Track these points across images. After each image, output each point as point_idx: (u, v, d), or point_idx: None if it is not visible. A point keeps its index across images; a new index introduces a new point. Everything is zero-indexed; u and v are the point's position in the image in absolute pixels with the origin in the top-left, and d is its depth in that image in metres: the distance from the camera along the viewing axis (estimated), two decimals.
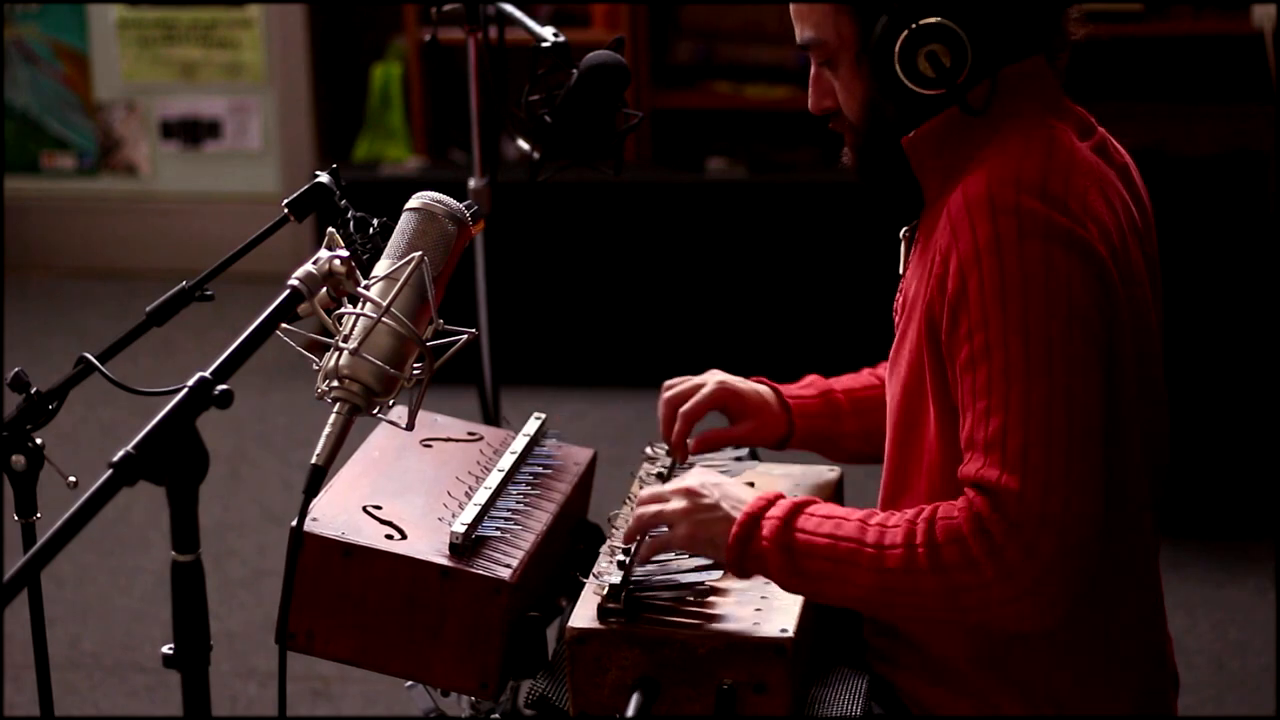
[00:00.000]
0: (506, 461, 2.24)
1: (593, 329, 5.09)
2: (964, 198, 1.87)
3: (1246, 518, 4.17)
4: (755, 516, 1.91)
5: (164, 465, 1.57)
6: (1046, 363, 1.81)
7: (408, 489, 2.16)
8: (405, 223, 1.85)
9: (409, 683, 2.22)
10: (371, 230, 1.99)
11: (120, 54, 5.96)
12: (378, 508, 2.09)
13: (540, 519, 2.16)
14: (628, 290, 5.06)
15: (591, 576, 2.03)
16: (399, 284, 1.77)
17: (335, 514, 2.06)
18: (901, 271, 2.07)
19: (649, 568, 2.02)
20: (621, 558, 2.01)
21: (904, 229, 2.08)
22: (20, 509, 1.97)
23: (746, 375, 2.34)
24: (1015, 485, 1.78)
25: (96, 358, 1.98)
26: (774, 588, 1.94)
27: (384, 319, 1.76)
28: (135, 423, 1.73)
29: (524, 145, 2.60)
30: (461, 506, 2.11)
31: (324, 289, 1.79)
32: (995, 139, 1.92)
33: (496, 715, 2.35)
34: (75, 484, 1.89)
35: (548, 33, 2.69)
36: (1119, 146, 2.04)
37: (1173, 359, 2.05)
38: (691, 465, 2.29)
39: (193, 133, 6.00)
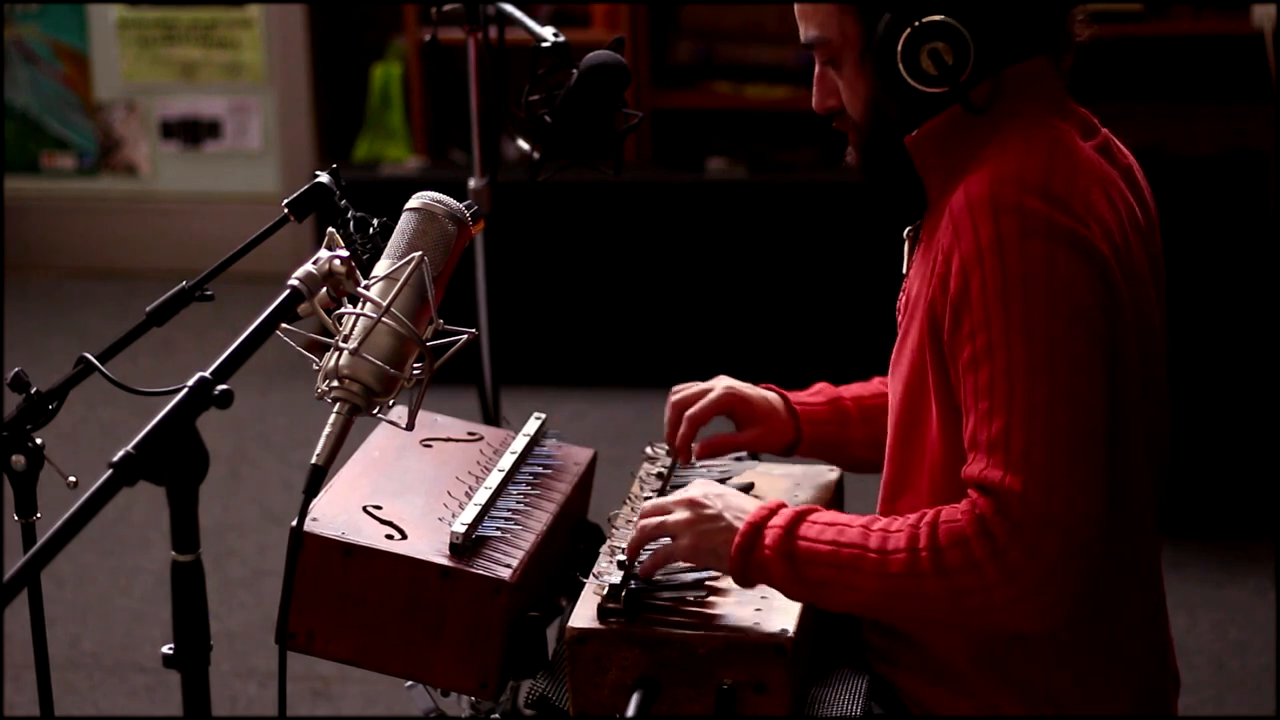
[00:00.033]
0: (506, 461, 2.24)
1: (593, 329, 5.09)
2: (966, 197, 1.87)
3: (1246, 518, 4.17)
4: (758, 526, 1.91)
5: (164, 465, 1.57)
6: (1049, 363, 1.81)
7: (408, 489, 2.16)
8: (405, 223, 1.85)
9: (409, 683, 2.22)
10: (371, 230, 1.99)
11: (120, 54, 5.96)
12: (378, 508, 2.09)
13: (540, 519, 2.16)
14: (628, 290, 5.06)
15: (591, 576, 2.03)
16: (399, 284, 1.77)
17: (335, 514, 2.06)
18: (905, 271, 2.07)
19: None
20: (621, 558, 2.01)
21: (907, 229, 2.08)
22: (20, 509, 1.97)
23: (746, 375, 2.34)
24: (1018, 486, 1.78)
25: (96, 358, 1.98)
26: None
27: (384, 319, 1.76)
28: (135, 423, 1.73)
29: (524, 145, 2.60)
30: (461, 506, 2.11)
31: (324, 289, 1.79)
32: (998, 138, 1.92)
33: (496, 715, 2.35)
34: (75, 484, 1.89)
35: (548, 33, 2.69)
36: (1122, 147, 2.04)
37: (1173, 359, 2.05)
38: (694, 466, 2.29)
39: (193, 133, 6.00)
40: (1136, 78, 4.40)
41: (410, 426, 1.87)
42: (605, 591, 1.96)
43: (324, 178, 2.05)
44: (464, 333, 1.81)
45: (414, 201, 1.86)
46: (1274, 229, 4.10)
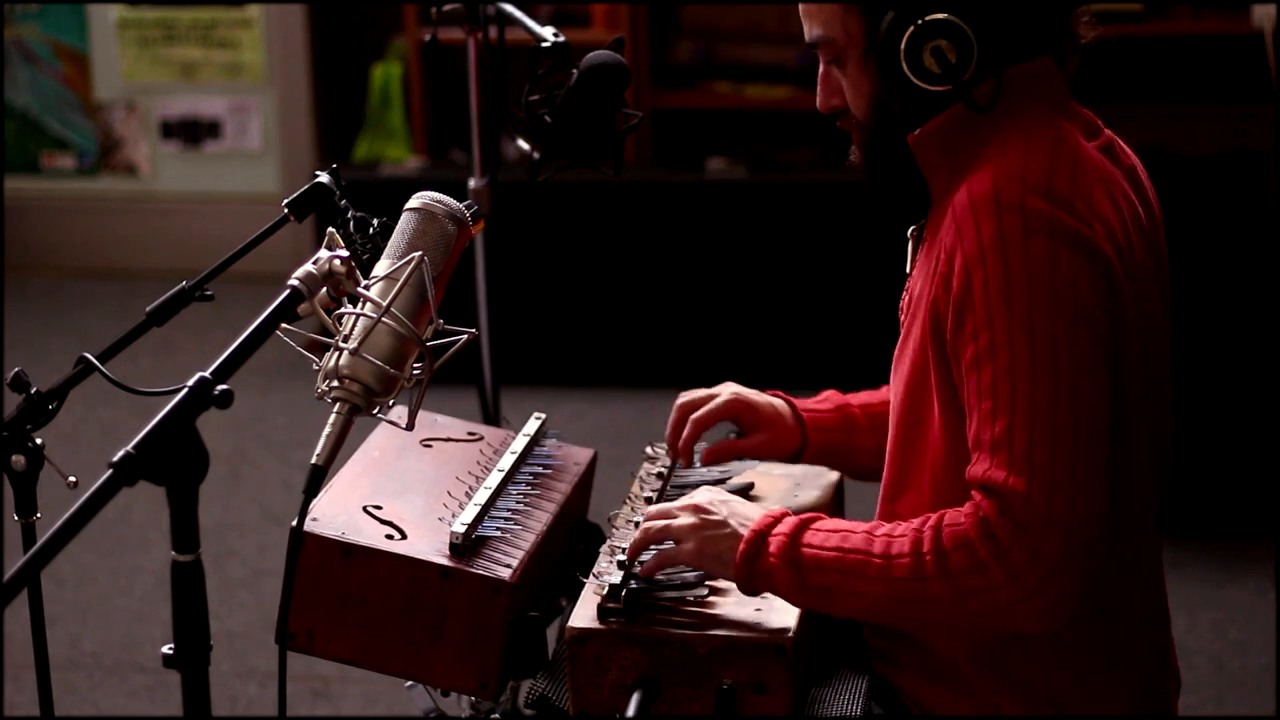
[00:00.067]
0: (506, 461, 2.24)
1: (593, 329, 5.09)
2: (969, 196, 1.87)
3: (1246, 518, 4.17)
4: (762, 534, 1.91)
5: (164, 465, 1.57)
6: (1052, 362, 1.81)
7: (408, 489, 2.16)
8: (405, 223, 1.85)
9: (409, 683, 2.22)
10: (371, 230, 1.99)
11: (120, 54, 5.96)
12: (378, 508, 2.09)
13: (540, 519, 2.16)
14: (628, 290, 5.06)
15: (591, 576, 2.03)
16: (399, 284, 1.77)
17: (335, 514, 2.06)
18: (908, 270, 2.07)
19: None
20: (621, 558, 2.01)
21: (911, 228, 2.08)
22: (20, 509, 1.97)
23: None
24: (1021, 487, 1.78)
25: (96, 358, 1.98)
26: None
27: (384, 319, 1.76)
28: (135, 423, 1.73)
29: (524, 145, 2.60)
30: (461, 506, 2.11)
31: (324, 289, 1.79)
32: (1001, 138, 1.93)
33: (496, 715, 2.36)
34: (75, 484, 1.89)
35: (548, 33, 2.69)
36: (1126, 148, 2.04)
37: (1173, 359, 2.05)
38: (694, 466, 2.29)
39: (193, 133, 6.00)
40: (1136, 78, 4.40)
41: (410, 426, 1.87)
42: (605, 591, 1.96)
43: (324, 178, 2.05)
44: (464, 333, 1.81)
45: (414, 201, 1.86)
46: (1274, 229, 4.10)
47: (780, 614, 1.95)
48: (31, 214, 6.07)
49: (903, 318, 2.06)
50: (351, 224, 2.00)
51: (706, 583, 1.99)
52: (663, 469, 2.28)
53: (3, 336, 5.04)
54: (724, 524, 1.94)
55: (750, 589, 1.92)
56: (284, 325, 1.75)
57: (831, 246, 4.95)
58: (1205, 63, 4.62)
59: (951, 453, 1.92)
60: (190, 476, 1.58)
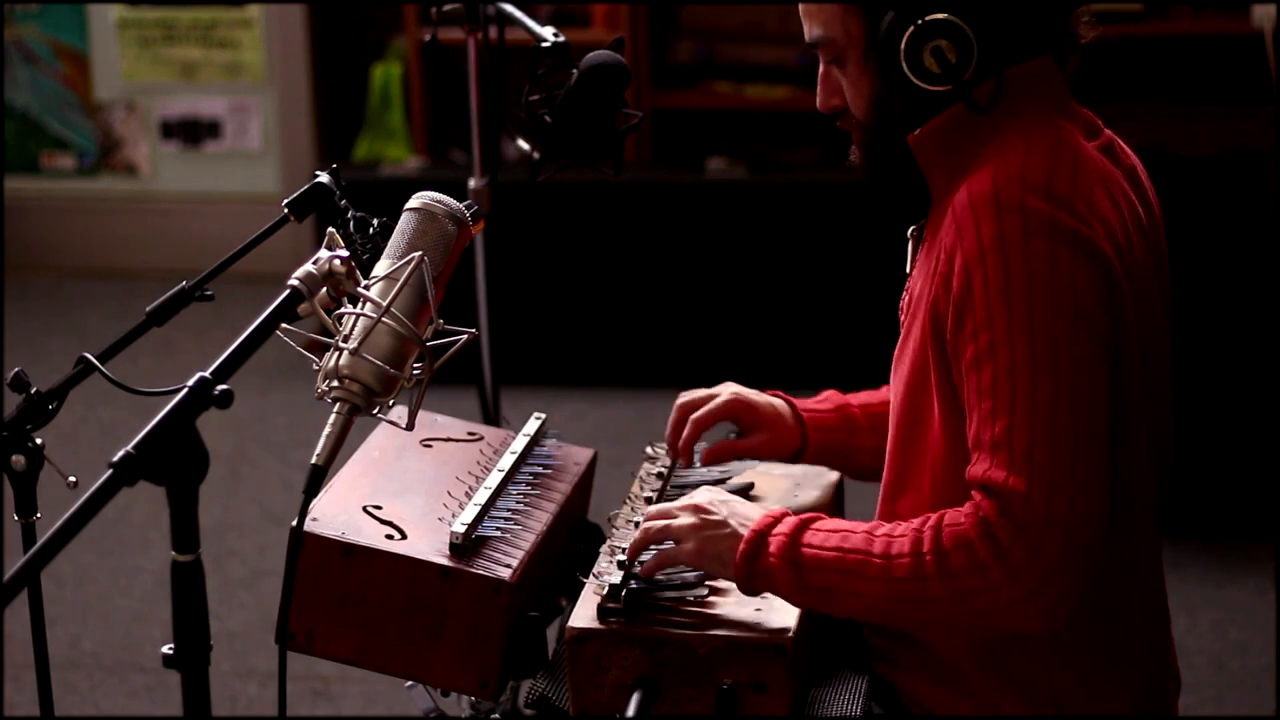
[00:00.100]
0: (506, 461, 2.24)
1: (593, 329, 5.09)
2: (969, 196, 1.87)
3: (1246, 518, 4.17)
4: (762, 534, 1.91)
5: (164, 465, 1.57)
6: (1052, 362, 1.81)
7: (408, 489, 2.16)
8: (405, 223, 1.85)
9: (409, 683, 2.22)
10: (371, 230, 1.99)
11: (120, 54, 5.96)
12: (378, 508, 2.09)
13: (540, 519, 2.16)
14: (628, 290, 5.06)
15: (591, 576, 2.03)
16: (399, 284, 1.77)
17: (335, 514, 2.06)
18: (908, 271, 2.07)
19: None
20: (621, 558, 2.01)
21: (911, 228, 2.08)
22: (20, 509, 1.97)
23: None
24: (1021, 487, 1.78)
25: (96, 358, 1.98)
26: None
27: (384, 319, 1.76)
28: (135, 423, 1.73)
29: (524, 145, 2.60)
30: (461, 506, 2.11)
31: (324, 289, 1.79)
32: (1001, 138, 1.93)
33: (496, 715, 2.35)
34: (75, 484, 1.89)
35: (548, 33, 2.69)
36: (1126, 148, 2.04)
37: (1173, 359, 2.05)
38: (694, 466, 2.29)
39: (193, 133, 6.00)
40: (1136, 78, 4.40)
41: (410, 426, 1.87)
42: (605, 591, 1.96)
43: (324, 178, 2.05)
44: (464, 333, 1.81)
45: (414, 201, 1.86)
46: (1274, 229, 4.10)
47: (780, 614, 1.95)
48: (31, 214, 6.07)
49: (903, 318, 2.06)
50: (351, 224, 2.00)
51: (706, 583, 1.99)
52: (663, 469, 2.28)
53: (3, 336, 5.04)
54: (724, 524, 1.94)
55: (750, 589, 1.92)
56: (284, 325, 1.75)
57: (831, 246, 4.95)
58: (1205, 63, 4.62)
59: (951, 452, 1.92)
60: (190, 476, 1.58)
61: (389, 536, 2.04)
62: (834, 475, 2.32)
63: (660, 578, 2.00)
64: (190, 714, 1.63)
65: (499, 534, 2.09)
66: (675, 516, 1.97)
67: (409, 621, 2.01)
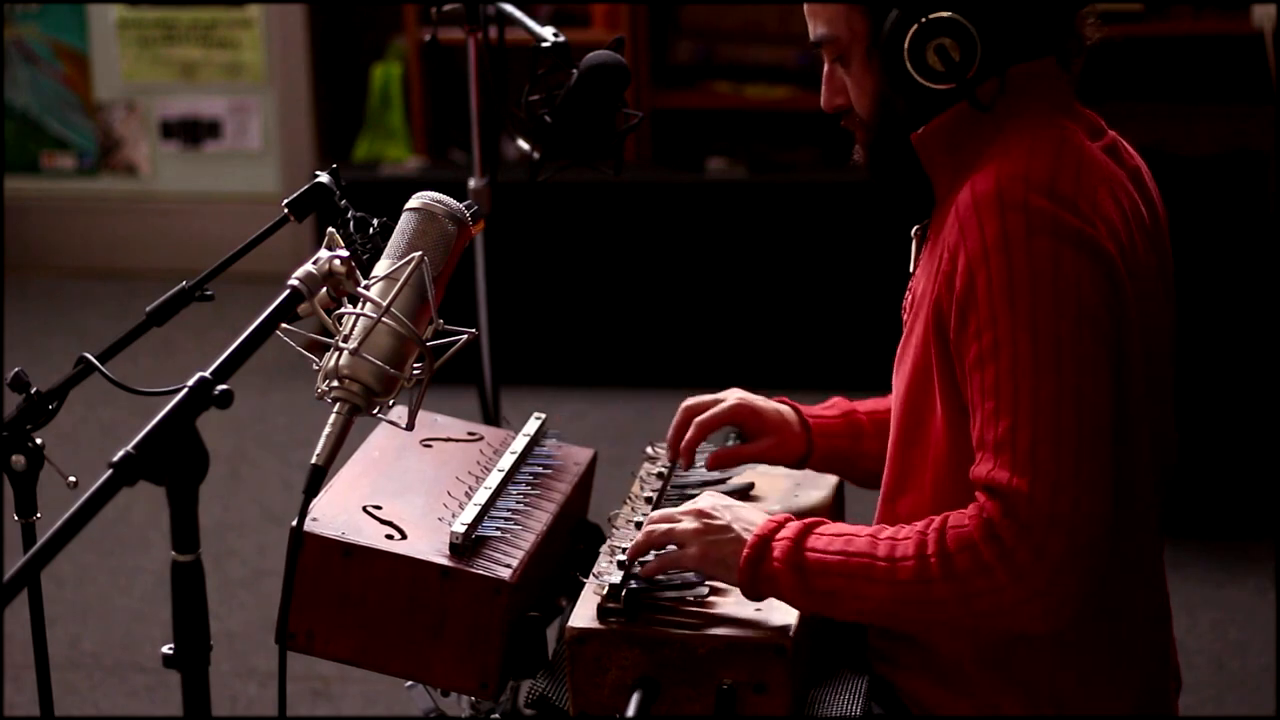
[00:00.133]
0: (506, 461, 2.24)
1: (593, 329, 5.09)
2: (972, 195, 1.87)
3: (1246, 518, 4.17)
4: (766, 538, 1.91)
5: (164, 465, 1.56)
6: (1055, 362, 1.81)
7: (408, 489, 2.16)
8: (405, 223, 1.85)
9: (409, 683, 2.22)
10: (371, 230, 1.99)
11: (120, 54, 5.96)
12: (378, 508, 2.09)
13: (540, 519, 2.16)
14: (628, 290, 5.06)
15: (591, 576, 2.03)
16: (399, 284, 1.77)
17: (335, 514, 2.06)
18: (911, 270, 2.07)
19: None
20: (621, 558, 2.01)
21: (915, 227, 2.08)
22: (20, 509, 1.97)
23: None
24: (1025, 487, 1.78)
25: (96, 358, 1.98)
26: None
27: (384, 319, 1.76)
28: (135, 423, 1.73)
29: (524, 145, 2.60)
30: (461, 506, 2.11)
31: (324, 289, 1.79)
32: (1005, 137, 1.93)
33: (496, 715, 2.35)
34: (75, 484, 1.89)
35: (548, 33, 2.69)
36: (1130, 150, 2.04)
37: (1175, 359, 2.05)
38: (695, 466, 2.29)
39: (193, 133, 6.00)
40: (1136, 78, 4.40)
41: (410, 426, 1.87)
42: (605, 591, 1.96)
43: (324, 178, 2.05)
44: (464, 333, 1.81)
45: (414, 201, 1.86)
46: (1274, 229, 4.10)
47: (780, 614, 1.95)
48: (31, 214, 6.07)
49: (905, 317, 2.06)
50: (351, 224, 2.00)
51: (706, 582, 1.99)
52: (663, 469, 2.28)
53: (3, 336, 5.04)
54: (727, 529, 1.94)
55: (754, 594, 1.92)
56: (284, 325, 1.75)
57: (831, 246, 4.95)
58: (1205, 63, 4.62)
59: (954, 452, 1.92)
60: (190, 476, 1.58)
61: (389, 536, 2.04)
62: (834, 477, 2.32)
63: (660, 577, 2.00)
64: (190, 714, 1.63)
65: (499, 534, 2.09)
66: (679, 521, 1.97)
67: (409, 621, 2.01)
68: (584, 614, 1.97)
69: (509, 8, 2.98)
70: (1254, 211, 4.20)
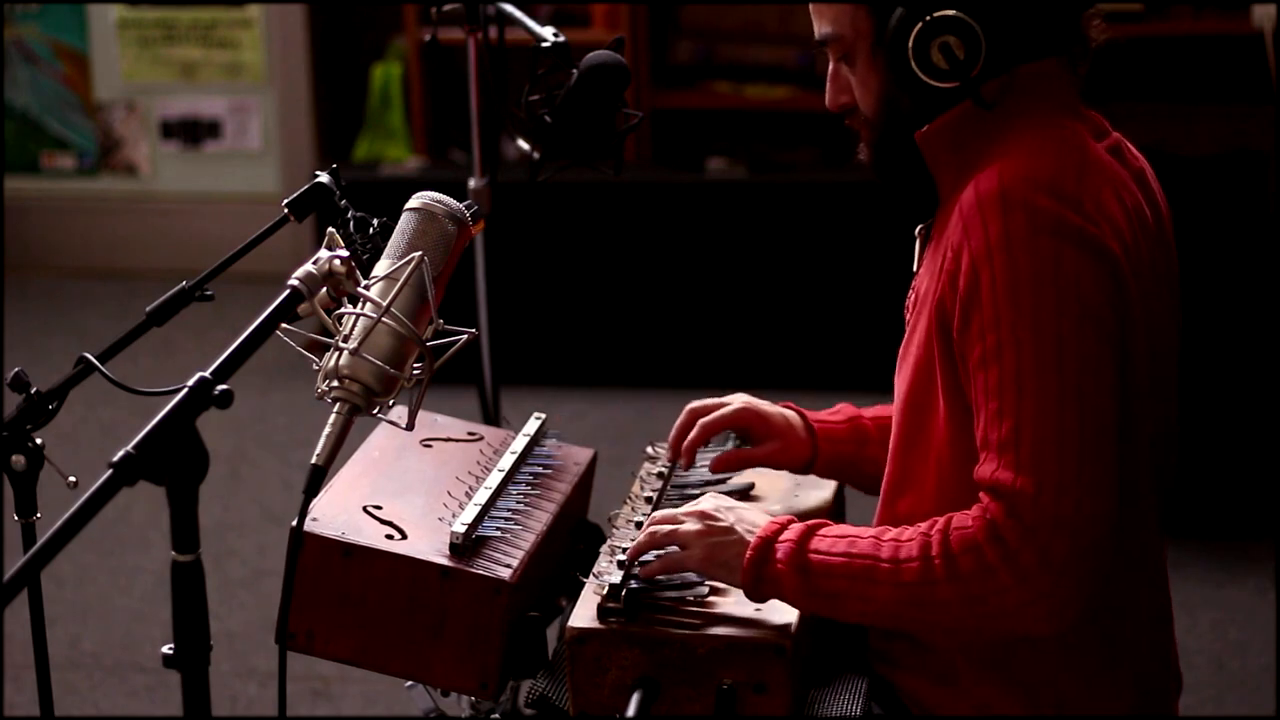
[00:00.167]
0: (506, 461, 2.24)
1: (593, 329, 5.09)
2: (976, 194, 1.87)
3: (1246, 518, 4.17)
4: (769, 540, 1.91)
5: (164, 465, 1.57)
6: (1058, 362, 1.81)
7: (408, 489, 2.16)
8: (405, 223, 1.85)
9: (409, 683, 2.22)
10: (371, 230, 1.99)
11: (120, 54, 5.96)
12: (378, 508, 2.09)
13: (540, 519, 2.16)
14: (628, 290, 5.06)
15: (591, 576, 2.03)
16: (399, 284, 1.77)
17: (335, 514, 2.06)
18: (915, 269, 2.07)
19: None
20: (622, 558, 2.01)
21: (919, 226, 2.08)
22: (20, 509, 1.97)
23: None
24: (1029, 488, 1.78)
25: (96, 358, 1.98)
26: None
27: (384, 319, 1.76)
28: (135, 423, 1.73)
29: (524, 145, 2.60)
30: (461, 506, 2.11)
31: (324, 289, 1.79)
32: (1009, 137, 1.93)
33: (496, 715, 2.35)
34: (75, 484, 1.89)
35: (548, 33, 2.69)
36: (1135, 151, 2.04)
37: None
38: (695, 466, 2.29)
39: (193, 133, 6.00)
40: (1136, 78, 4.40)
41: (410, 426, 1.87)
42: (605, 591, 1.96)
43: (324, 178, 2.05)
44: (464, 333, 1.81)
45: (414, 201, 1.86)
46: (1274, 229, 4.10)
47: (780, 614, 1.95)
48: (31, 214, 6.07)
49: (908, 316, 2.06)
50: (351, 224, 2.00)
51: (706, 582, 1.99)
52: (663, 469, 2.28)
53: (3, 336, 5.04)
54: (730, 530, 1.94)
55: (757, 595, 1.92)
56: (284, 325, 1.75)
57: (831, 246, 4.95)
58: (1205, 63, 4.61)
59: (957, 450, 1.92)
60: (190, 476, 1.58)
61: (389, 536, 2.04)
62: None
63: (660, 577, 2.00)
64: (190, 714, 1.63)
65: (499, 534, 2.09)
66: (681, 522, 1.97)
67: (409, 621, 2.01)
68: (584, 614, 1.97)
69: (509, 8, 2.98)
70: (1254, 211, 4.20)
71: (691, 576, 1.99)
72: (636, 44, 5.36)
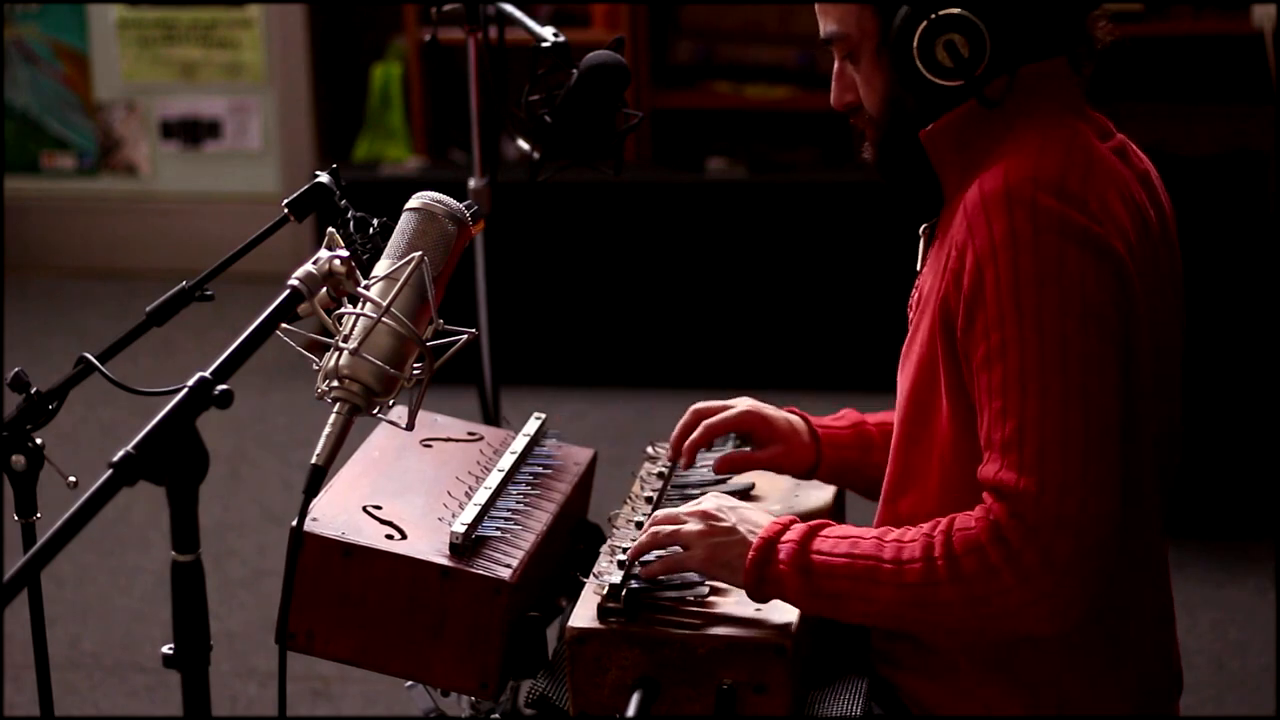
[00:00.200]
0: (506, 461, 2.24)
1: (593, 329, 5.09)
2: (981, 193, 1.87)
3: (1246, 518, 4.17)
4: (772, 540, 1.91)
5: (164, 465, 1.57)
6: (1062, 362, 1.81)
7: (408, 489, 2.16)
8: (405, 223, 1.85)
9: (409, 683, 2.22)
10: (371, 230, 1.99)
11: (120, 54, 5.96)
12: (378, 508, 2.09)
13: (540, 519, 2.16)
14: (628, 290, 5.06)
15: (591, 576, 2.02)
16: (399, 284, 1.77)
17: (335, 514, 2.06)
18: (919, 268, 2.07)
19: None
20: (622, 558, 2.01)
21: (923, 225, 2.08)
22: (20, 509, 1.97)
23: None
24: (1033, 488, 1.78)
25: (96, 358, 1.98)
26: None
27: (384, 319, 1.76)
28: (135, 423, 1.73)
29: (524, 145, 2.60)
30: (461, 506, 2.11)
31: (324, 289, 1.79)
32: (1014, 136, 1.93)
33: (496, 715, 2.35)
34: (75, 484, 1.89)
35: (548, 33, 2.69)
36: (1140, 153, 2.03)
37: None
38: (695, 465, 2.29)
39: (193, 133, 6.00)
40: (1136, 78, 4.40)
41: (410, 426, 1.87)
42: (605, 591, 1.96)
43: (324, 178, 2.05)
44: (464, 333, 1.81)
45: (414, 201, 1.86)
46: (1274, 229, 4.10)
47: (780, 614, 1.95)
48: (31, 214, 6.07)
49: (911, 314, 2.06)
50: (351, 224, 2.00)
51: (707, 583, 1.99)
52: (663, 469, 2.28)
53: (3, 336, 5.04)
54: (732, 531, 1.94)
55: (760, 596, 1.92)
56: (284, 325, 1.75)
57: (831, 247, 4.95)
58: (1205, 63, 4.62)
59: (959, 449, 1.92)
60: (190, 476, 1.58)
61: (389, 536, 2.04)
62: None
63: (661, 577, 2.00)
64: (190, 714, 1.63)
65: (499, 534, 2.09)
66: (683, 522, 1.97)
67: (409, 621, 2.01)
68: (584, 614, 1.97)
69: (509, 8, 2.98)
70: (1254, 211, 4.20)
71: (692, 576, 1.99)
72: (636, 44, 5.37)
